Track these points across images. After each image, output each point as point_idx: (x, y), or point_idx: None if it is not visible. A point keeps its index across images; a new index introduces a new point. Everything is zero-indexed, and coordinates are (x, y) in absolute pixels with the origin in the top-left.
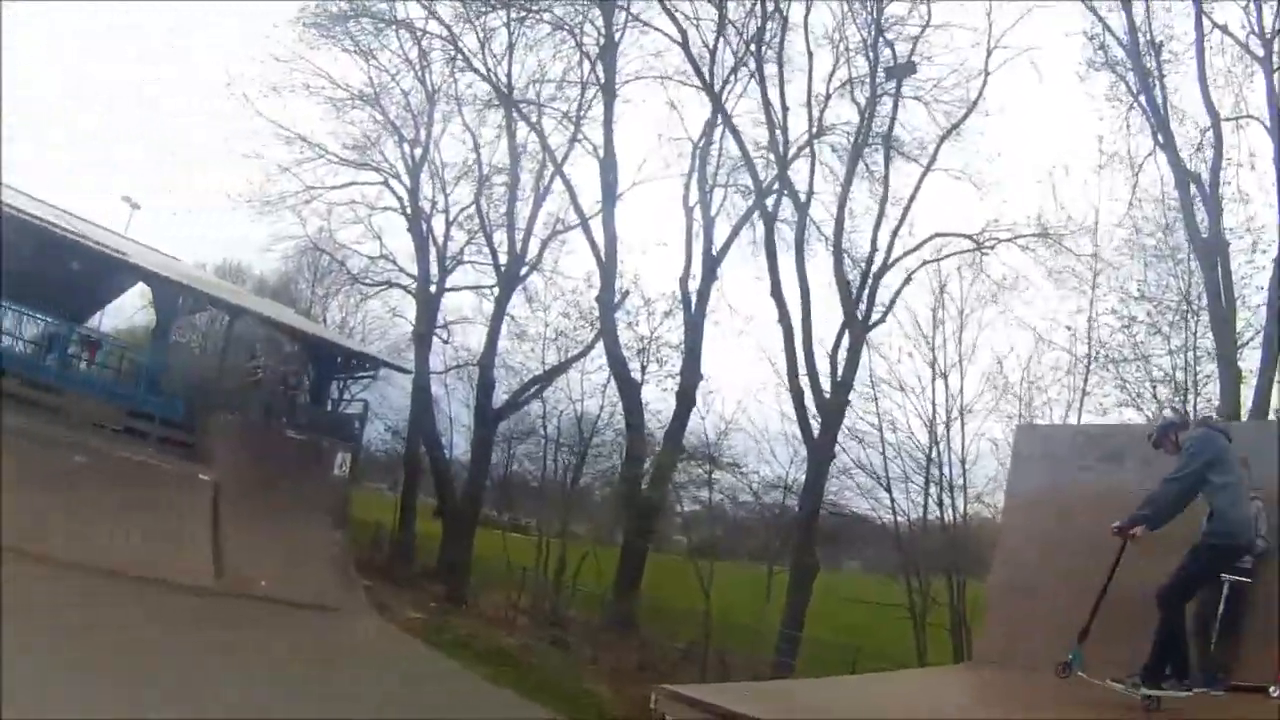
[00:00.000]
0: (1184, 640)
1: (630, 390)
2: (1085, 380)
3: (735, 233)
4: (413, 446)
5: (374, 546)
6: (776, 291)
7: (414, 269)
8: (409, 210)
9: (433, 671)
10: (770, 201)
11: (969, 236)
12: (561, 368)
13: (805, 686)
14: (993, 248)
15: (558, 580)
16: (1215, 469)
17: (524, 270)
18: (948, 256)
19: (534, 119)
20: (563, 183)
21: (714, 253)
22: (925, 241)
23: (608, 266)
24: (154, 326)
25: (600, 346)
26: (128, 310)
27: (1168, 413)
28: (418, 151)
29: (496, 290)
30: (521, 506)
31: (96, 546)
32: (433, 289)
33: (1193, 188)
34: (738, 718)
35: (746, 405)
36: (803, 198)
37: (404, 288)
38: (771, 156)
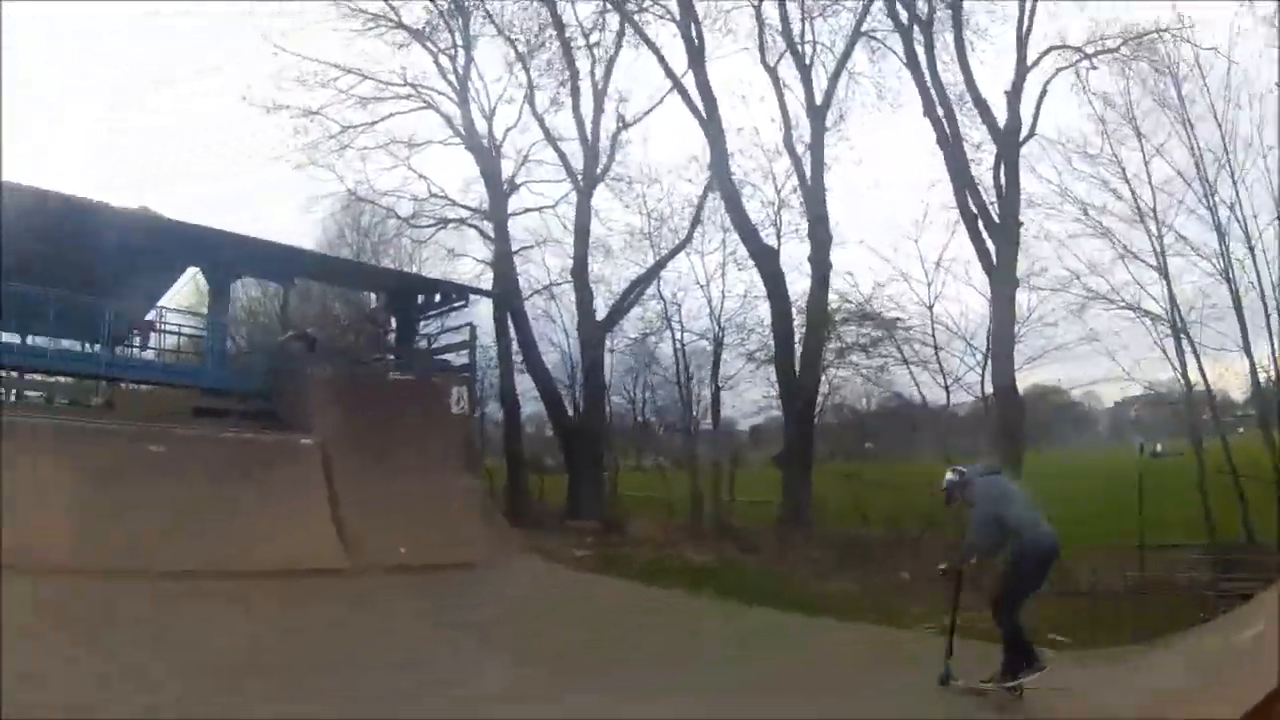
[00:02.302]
0: (1024, 636)
1: (766, 258)
2: None
3: (841, 65)
4: (508, 382)
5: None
6: (930, 111)
7: (468, 201)
8: (462, 128)
9: (644, 602)
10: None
11: (1078, 49)
12: (671, 255)
13: None
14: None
15: (714, 494)
16: (1003, 505)
17: (602, 165)
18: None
19: None
20: (644, 41)
21: (817, 103)
22: (1042, 56)
23: (712, 127)
24: (209, 300)
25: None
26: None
27: (949, 475)
28: (459, 62)
29: (575, 195)
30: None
31: (200, 547)
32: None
33: None
34: None
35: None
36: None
37: (463, 221)
38: None
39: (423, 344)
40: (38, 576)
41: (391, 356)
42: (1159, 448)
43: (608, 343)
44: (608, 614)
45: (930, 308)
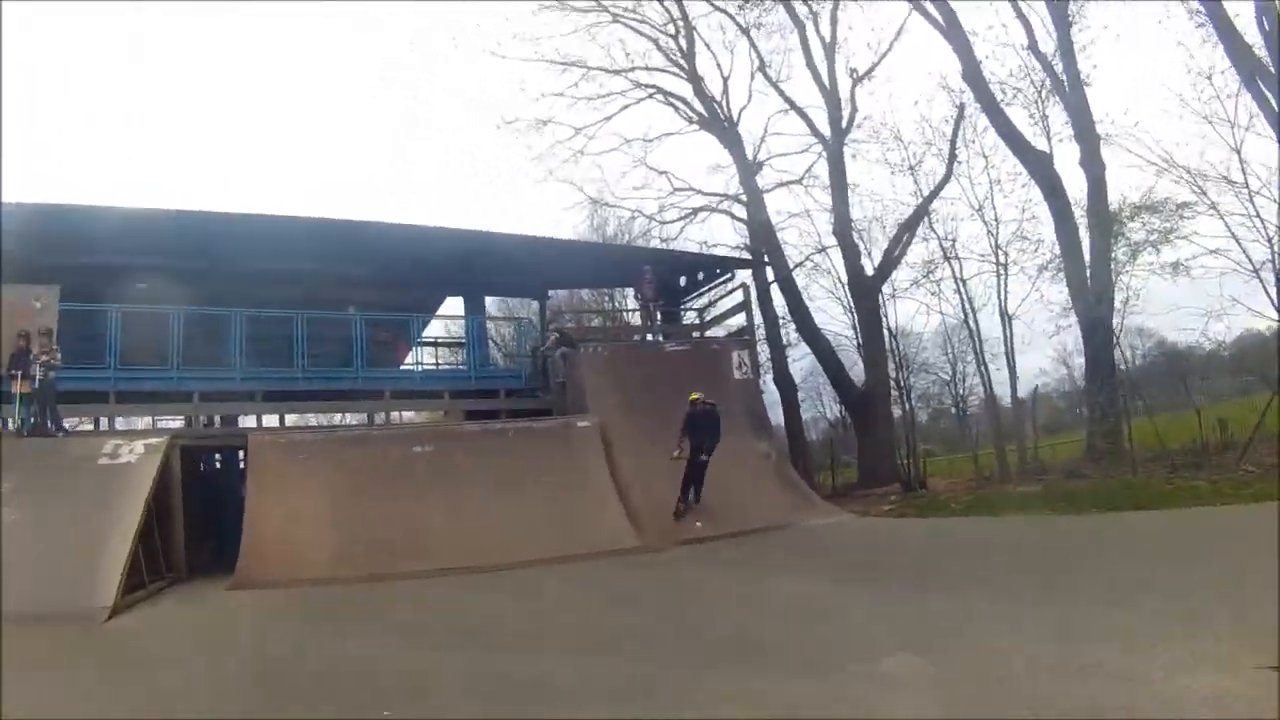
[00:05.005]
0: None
1: (1039, 164)
2: None
3: None
4: (779, 357)
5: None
6: None
7: (712, 186)
8: (698, 106)
9: (982, 529)
10: None
11: None
12: (936, 191)
13: None
14: None
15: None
16: (684, 425)
17: (847, 116)
18: None
19: None
20: None
21: None
22: None
23: (955, 33)
24: (464, 305)
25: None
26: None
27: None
28: (681, 39)
29: (826, 157)
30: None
31: (486, 542)
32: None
33: None
34: None
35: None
36: None
37: (713, 209)
38: None
39: (693, 318)
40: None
41: (662, 336)
42: None
43: (885, 289)
44: (948, 542)
45: (1238, 151)
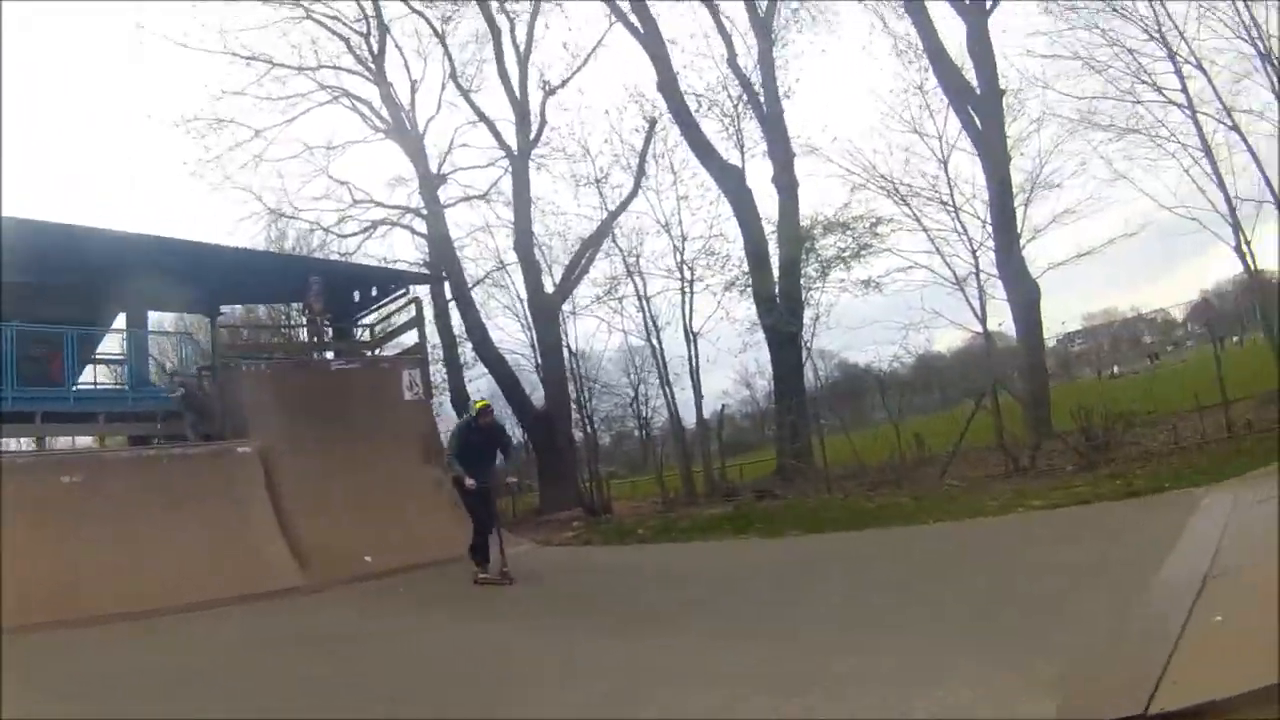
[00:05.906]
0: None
1: (729, 177)
2: None
3: None
4: (456, 378)
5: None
6: None
7: (395, 199)
8: (388, 116)
9: (671, 555)
10: None
11: None
12: (621, 208)
13: None
14: None
15: (705, 464)
16: (453, 448)
17: (535, 128)
18: None
19: None
20: None
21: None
22: None
23: (651, 39)
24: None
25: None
26: None
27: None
28: (373, 39)
29: (510, 170)
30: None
31: (130, 581)
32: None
33: None
34: None
35: None
36: None
37: (395, 223)
38: None
39: (365, 335)
40: None
41: (330, 354)
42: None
43: (566, 307)
44: (640, 572)
45: (945, 163)
